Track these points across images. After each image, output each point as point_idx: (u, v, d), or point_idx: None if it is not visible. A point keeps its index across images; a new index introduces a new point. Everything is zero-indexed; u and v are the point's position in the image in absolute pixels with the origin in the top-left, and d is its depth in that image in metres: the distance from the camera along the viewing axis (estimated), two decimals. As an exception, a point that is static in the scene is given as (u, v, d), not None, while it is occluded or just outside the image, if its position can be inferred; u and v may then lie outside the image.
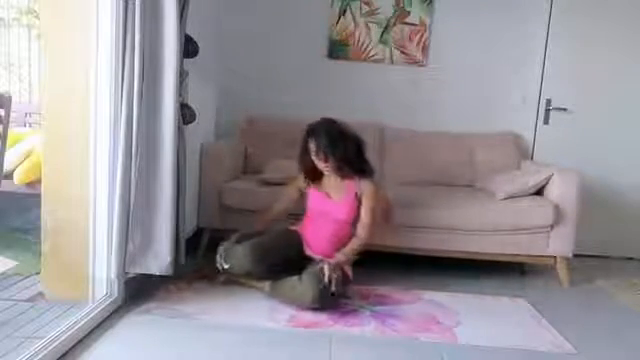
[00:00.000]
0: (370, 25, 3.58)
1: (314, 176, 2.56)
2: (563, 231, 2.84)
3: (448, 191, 3.14)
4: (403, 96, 3.62)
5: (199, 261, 2.82)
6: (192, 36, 2.37)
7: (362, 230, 2.49)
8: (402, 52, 3.59)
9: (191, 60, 2.41)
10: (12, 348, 1.83)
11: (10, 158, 2.96)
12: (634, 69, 3.52)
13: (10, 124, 2.67)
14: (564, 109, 3.56)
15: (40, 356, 1.68)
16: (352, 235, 2.51)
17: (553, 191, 2.88)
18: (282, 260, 2.43)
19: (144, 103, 2.12)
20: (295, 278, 2.34)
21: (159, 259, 2.24)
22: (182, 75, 2.26)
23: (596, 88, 3.54)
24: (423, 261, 2.93)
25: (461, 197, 3.00)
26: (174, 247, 2.28)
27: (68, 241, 2.21)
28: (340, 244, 2.48)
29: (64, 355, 1.78)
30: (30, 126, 4.00)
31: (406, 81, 3.61)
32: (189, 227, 2.75)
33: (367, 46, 3.59)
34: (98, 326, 2.02)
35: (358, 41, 3.59)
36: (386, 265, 2.93)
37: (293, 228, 2.62)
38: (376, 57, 3.60)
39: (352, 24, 3.58)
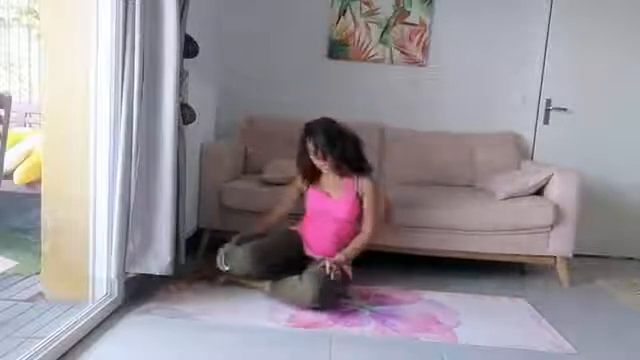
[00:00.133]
0: (370, 25, 3.58)
1: (312, 175, 2.56)
2: (563, 231, 2.85)
3: (448, 191, 3.14)
4: (403, 96, 3.62)
5: (199, 261, 2.82)
6: (192, 36, 2.37)
7: (367, 227, 2.50)
8: (402, 52, 3.59)
9: (191, 60, 2.41)
10: (12, 348, 1.83)
11: (10, 158, 2.96)
12: (634, 69, 3.52)
13: (10, 124, 2.67)
14: (564, 109, 3.56)
15: (40, 356, 1.68)
16: (353, 235, 2.51)
17: (553, 191, 2.88)
18: (282, 260, 2.43)
19: (144, 103, 2.12)
20: (295, 278, 2.34)
21: (159, 259, 2.24)
22: (182, 75, 2.26)
23: (596, 88, 3.54)
24: (423, 261, 2.93)
25: (461, 197, 3.00)
26: (174, 247, 2.28)
27: (68, 241, 2.21)
28: (341, 244, 2.48)
29: (64, 355, 1.78)
30: (30, 126, 4.00)
31: (406, 81, 3.61)
32: (189, 227, 2.75)
33: (367, 46, 3.59)
34: (98, 326, 2.02)
35: (358, 41, 3.59)
36: (386, 265, 2.93)
37: (293, 229, 2.62)
38: (376, 57, 3.60)
39: (352, 24, 3.58)
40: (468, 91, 3.61)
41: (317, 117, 2.50)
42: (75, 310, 2.08)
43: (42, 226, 2.22)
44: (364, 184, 2.51)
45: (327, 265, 2.28)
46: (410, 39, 3.58)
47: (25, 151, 3.13)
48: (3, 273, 2.60)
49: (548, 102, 3.57)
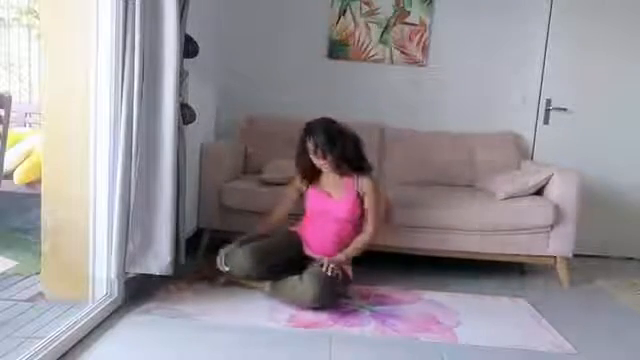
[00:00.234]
0: (370, 25, 3.58)
1: (312, 175, 2.56)
2: (563, 231, 2.85)
3: (448, 191, 3.14)
4: (403, 96, 3.62)
5: (199, 261, 2.82)
6: (192, 36, 2.37)
7: (369, 226, 2.50)
8: (402, 52, 3.59)
9: (191, 60, 2.41)
10: (12, 348, 1.83)
11: (10, 158, 2.95)
12: (634, 69, 3.52)
13: (10, 124, 2.66)
14: (564, 109, 3.56)
15: (40, 356, 1.68)
16: (354, 235, 2.51)
17: (553, 191, 2.88)
18: (282, 261, 2.43)
19: (144, 103, 2.12)
20: (296, 278, 2.34)
21: (159, 259, 2.24)
22: (182, 75, 2.26)
23: (596, 88, 3.54)
24: (423, 261, 2.93)
25: (461, 197, 3.00)
26: (174, 247, 2.28)
27: (68, 241, 2.21)
28: (342, 244, 2.49)
29: (64, 355, 1.78)
30: (30, 126, 4.00)
31: (406, 81, 3.61)
32: (189, 227, 2.75)
33: (367, 46, 3.59)
34: (98, 326, 2.02)
35: (358, 41, 3.59)
36: (386, 265, 2.93)
37: (293, 229, 2.62)
38: (376, 57, 3.60)
39: (352, 24, 3.58)
40: (468, 91, 3.61)
41: (317, 117, 2.49)
42: (75, 310, 2.08)
43: (42, 226, 2.22)
44: (364, 183, 2.51)
45: (326, 264, 2.29)
46: (410, 39, 3.58)
47: (25, 151, 3.13)
48: (3, 273, 2.60)
49: (548, 102, 3.57)
